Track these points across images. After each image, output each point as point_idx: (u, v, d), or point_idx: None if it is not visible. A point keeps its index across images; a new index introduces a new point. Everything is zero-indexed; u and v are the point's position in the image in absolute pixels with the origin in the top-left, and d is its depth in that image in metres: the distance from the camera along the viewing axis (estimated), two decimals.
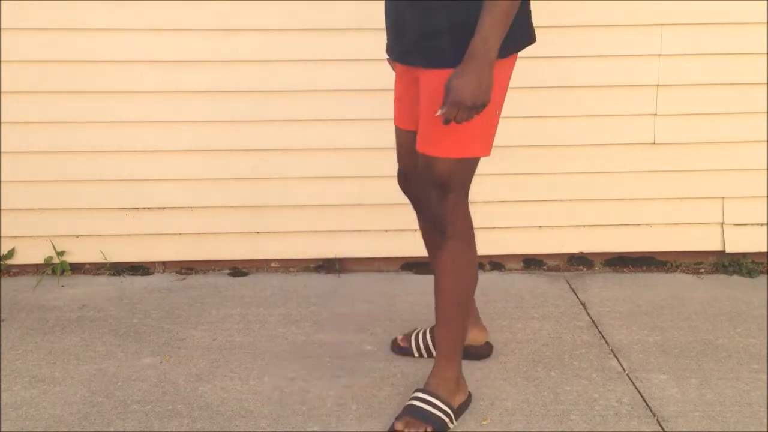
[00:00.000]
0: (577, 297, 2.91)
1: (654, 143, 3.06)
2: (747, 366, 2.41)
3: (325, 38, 2.92)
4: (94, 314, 2.77)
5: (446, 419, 2.06)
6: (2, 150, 2.98)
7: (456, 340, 2.11)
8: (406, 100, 2.11)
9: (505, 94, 1.99)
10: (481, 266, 3.02)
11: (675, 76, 2.99)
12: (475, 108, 1.79)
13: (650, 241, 3.16)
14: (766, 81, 2.99)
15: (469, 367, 2.29)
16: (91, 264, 3.15)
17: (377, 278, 3.11)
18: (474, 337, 2.39)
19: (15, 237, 3.09)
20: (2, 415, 2.15)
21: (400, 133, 2.19)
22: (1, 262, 3.09)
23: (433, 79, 1.90)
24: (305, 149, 3.03)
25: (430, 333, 2.42)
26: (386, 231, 3.12)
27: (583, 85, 2.99)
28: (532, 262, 3.21)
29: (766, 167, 3.08)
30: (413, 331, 2.48)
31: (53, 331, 2.65)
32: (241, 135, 3.01)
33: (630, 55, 2.97)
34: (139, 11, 2.88)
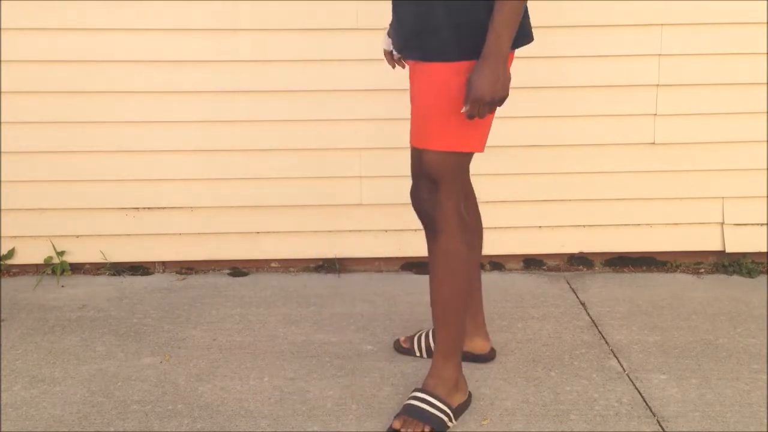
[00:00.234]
0: (577, 297, 2.91)
1: (654, 143, 3.06)
2: (747, 366, 2.41)
3: (325, 38, 2.92)
4: (94, 314, 2.77)
5: (445, 418, 2.06)
6: (2, 150, 2.98)
7: (452, 340, 2.09)
8: None
9: None
10: (482, 266, 3.01)
11: (675, 76, 2.99)
12: (495, 102, 1.85)
13: (650, 241, 3.16)
14: (766, 81, 2.99)
15: (468, 367, 2.29)
16: (91, 264, 3.15)
17: (377, 278, 3.11)
18: (478, 346, 2.38)
19: (15, 237, 3.09)
20: (2, 415, 2.15)
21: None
22: (1, 262, 3.10)
23: (423, 72, 1.94)
24: (305, 149, 3.03)
25: (432, 335, 2.42)
26: (386, 231, 3.12)
27: (583, 85, 2.99)
28: (532, 262, 3.21)
29: (766, 167, 3.08)
30: (416, 333, 2.48)
31: (53, 331, 2.65)
32: (241, 135, 3.01)
33: (630, 55, 2.97)
34: (138, 11, 2.88)
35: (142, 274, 3.14)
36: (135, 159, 3.03)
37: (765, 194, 3.10)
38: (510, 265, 3.21)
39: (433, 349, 2.39)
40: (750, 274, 3.11)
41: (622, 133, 3.05)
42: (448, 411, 2.07)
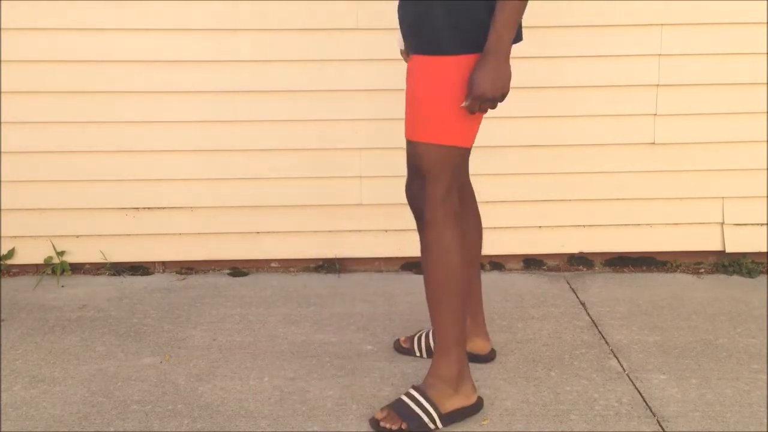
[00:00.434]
0: (577, 297, 2.91)
1: (654, 143, 3.06)
2: (747, 366, 2.41)
3: (325, 38, 2.92)
4: (94, 314, 2.77)
5: (426, 419, 2.05)
6: (2, 150, 2.98)
7: (448, 336, 2.07)
8: None
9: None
10: (482, 266, 3.02)
11: (675, 76, 2.99)
12: (497, 99, 1.89)
13: (650, 241, 3.16)
14: (766, 81, 2.99)
15: (469, 367, 2.29)
16: (91, 264, 3.15)
17: (377, 278, 3.11)
18: (478, 346, 2.38)
19: (15, 237, 3.09)
20: (2, 415, 2.15)
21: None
22: (1, 262, 3.10)
23: (416, 64, 1.96)
24: (305, 149, 3.03)
25: (432, 335, 2.42)
26: (386, 231, 3.12)
27: (583, 85, 2.99)
28: (532, 262, 3.21)
29: (766, 167, 3.08)
30: (416, 333, 2.48)
31: (53, 331, 2.65)
32: (241, 135, 3.01)
33: (630, 55, 2.97)
34: (138, 11, 2.88)
35: (142, 274, 3.14)
36: (135, 159, 3.03)
37: (765, 194, 3.11)
38: (510, 265, 3.21)
39: (433, 349, 2.39)
40: (750, 274, 3.11)
41: (622, 133, 3.05)
42: (433, 413, 2.06)
